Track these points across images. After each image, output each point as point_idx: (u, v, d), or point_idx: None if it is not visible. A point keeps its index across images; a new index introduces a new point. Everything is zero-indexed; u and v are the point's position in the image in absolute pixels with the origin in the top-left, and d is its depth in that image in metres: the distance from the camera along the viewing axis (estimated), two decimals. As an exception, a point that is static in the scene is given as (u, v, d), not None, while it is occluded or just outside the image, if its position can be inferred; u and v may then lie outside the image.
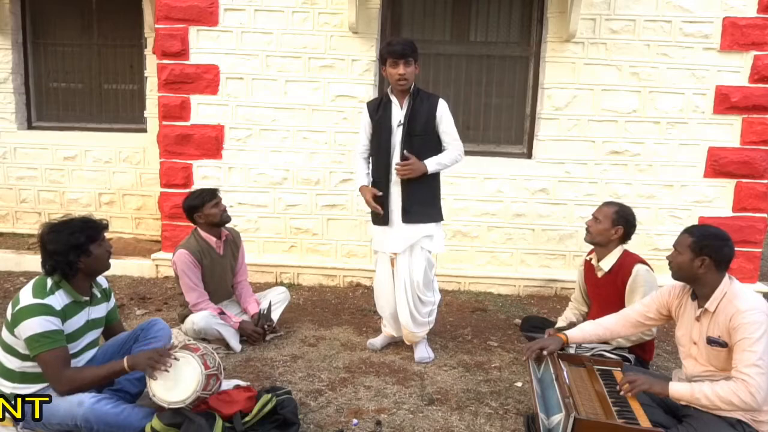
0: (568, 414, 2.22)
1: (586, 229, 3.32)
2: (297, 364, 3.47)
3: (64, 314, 2.47)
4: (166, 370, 2.41)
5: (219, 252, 3.74)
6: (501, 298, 4.92)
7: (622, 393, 2.44)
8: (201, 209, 3.62)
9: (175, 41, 4.86)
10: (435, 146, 3.43)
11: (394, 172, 3.40)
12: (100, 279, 2.75)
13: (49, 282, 2.49)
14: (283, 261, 5.12)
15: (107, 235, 2.68)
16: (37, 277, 2.55)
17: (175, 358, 2.46)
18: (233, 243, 3.87)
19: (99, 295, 2.70)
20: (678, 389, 2.42)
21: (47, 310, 2.40)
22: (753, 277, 4.96)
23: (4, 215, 5.94)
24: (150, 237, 5.75)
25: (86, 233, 2.53)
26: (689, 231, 2.53)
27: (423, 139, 3.38)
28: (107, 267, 2.65)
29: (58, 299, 2.47)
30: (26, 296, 2.43)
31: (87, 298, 2.60)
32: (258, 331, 3.71)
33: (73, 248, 2.48)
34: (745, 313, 2.31)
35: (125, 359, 2.48)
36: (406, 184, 3.39)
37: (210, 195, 3.64)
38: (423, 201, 3.42)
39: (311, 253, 5.15)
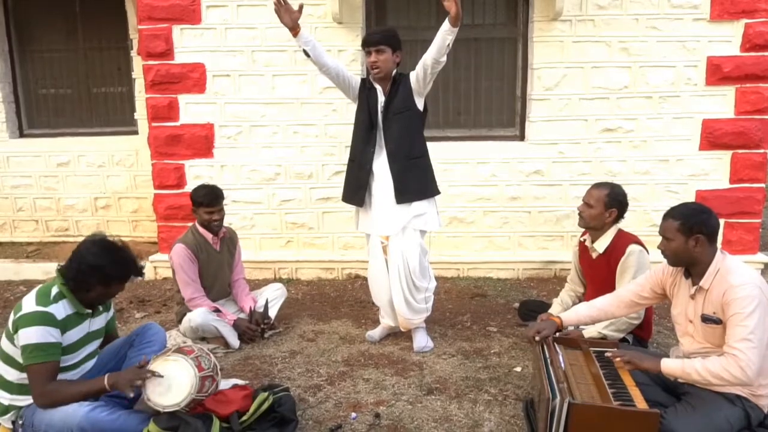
0: (562, 399, 2.22)
1: (579, 215, 3.26)
2: (296, 359, 3.47)
3: (65, 325, 2.44)
4: (153, 375, 2.40)
5: (215, 248, 3.77)
6: (500, 282, 4.90)
7: (608, 355, 2.52)
8: (197, 208, 3.70)
9: (159, 41, 4.82)
10: (416, 123, 3.43)
11: (381, 151, 3.38)
12: None
13: (54, 290, 2.46)
14: (280, 257, 5.11)
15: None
16: (41, 284, 2.52)
17: (159, 374, 2.44)
18: (230, 241, 3.90)
19: (101, 308, 2.68)
20: (669, 365, 2.41)
21: (49, 320, 2.38)
22: (753, 248, 4.92)
23: (2, 224, 5.93)
24: (147, 239, 5.75)
25: (123, 271, 2.52)
26: (671, 216, 2.47)
27: (404, 116, 3.38)
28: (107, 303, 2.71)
29: (61, 309, 2.44)
30: (29, 303, 2.41)
31: (89, 311, 2.58)
32: (252, 328, 3.71)
33: (100, 275, 2.45)
34: (738, 288, 2.29)
35: (106, 377, 2.45)
36: (395, 165, 3.37)
37: (209, 200, 3.66)
38: (415, 179, 3.40)
39: (308, 247, 5.14)
